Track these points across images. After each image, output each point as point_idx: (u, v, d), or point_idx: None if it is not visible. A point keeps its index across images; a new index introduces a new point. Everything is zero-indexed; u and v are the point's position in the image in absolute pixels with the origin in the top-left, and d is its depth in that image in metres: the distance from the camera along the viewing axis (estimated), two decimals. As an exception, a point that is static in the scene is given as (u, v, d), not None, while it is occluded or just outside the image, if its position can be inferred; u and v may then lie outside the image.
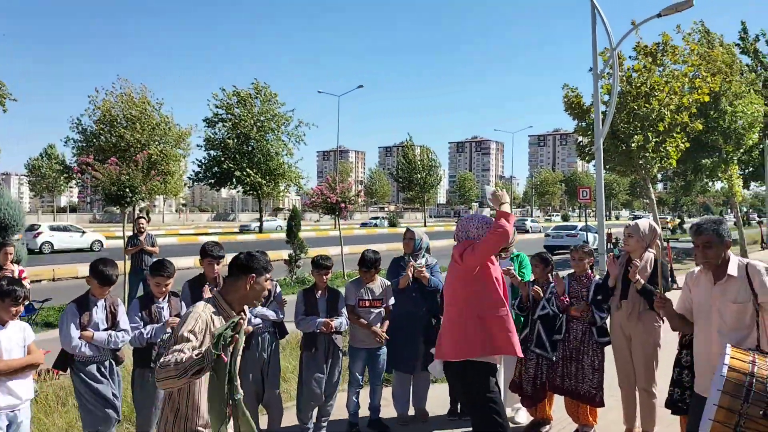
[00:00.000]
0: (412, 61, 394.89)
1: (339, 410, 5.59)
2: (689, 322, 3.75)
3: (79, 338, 4.30)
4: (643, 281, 4.81)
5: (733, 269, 3.46)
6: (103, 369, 4.47)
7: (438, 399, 6.06)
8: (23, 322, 4.20)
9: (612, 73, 13.54)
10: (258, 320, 5.05)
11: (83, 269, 18.86)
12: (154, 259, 11.12)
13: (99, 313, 4.41)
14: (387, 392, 5.95)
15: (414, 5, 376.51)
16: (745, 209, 79.52)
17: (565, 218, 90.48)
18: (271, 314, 5.14)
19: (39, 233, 28.64)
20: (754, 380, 2.93)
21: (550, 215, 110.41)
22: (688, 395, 4.66)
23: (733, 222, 30.60)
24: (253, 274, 2.93)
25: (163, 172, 33.70)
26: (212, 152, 44.88)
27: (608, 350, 5.25)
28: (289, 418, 5.53)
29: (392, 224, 59.00)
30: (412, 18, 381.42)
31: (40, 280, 17.73)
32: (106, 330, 4.43)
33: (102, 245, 30.68)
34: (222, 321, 2.83)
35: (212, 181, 45.05)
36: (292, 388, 6.32)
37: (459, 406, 5.88)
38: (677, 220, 59.14)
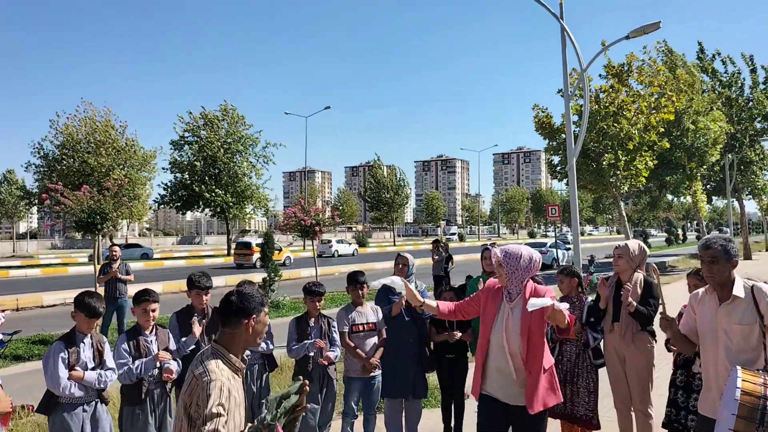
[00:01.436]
0: (378, 81, 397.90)
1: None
2: (692, 343, 3.75)
3: (68, 378, 4.10)
4: (636, 304, 4.84)
5: (738, 290, 3.45)
6: (87, 411, 4.25)
7: (431, 426, 5.99)
8: None
9: (581, 94, 13.84)
10: (247, 352, 4.92)
11: (48, 298, 18.30)
12: (128, 287, 10.89)
13: (86, 351, 4.23)
14: (380, 420, 5.85)
15: (381, 28, 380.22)
16: (704, 223, 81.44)
17: (531, 235, 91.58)
18: (263, 346, 5.02)
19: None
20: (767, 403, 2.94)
21: (515, 232, 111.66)
22: (683, 415, 4.70)
23: (696, 236, 31.35)
24: (253, 315, 2.62)
25: (131, 198, 33.11)
26: (178, 175, 44.35)
27: (602, 372, 5.25)
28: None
29: (361, 244, 58.81)
30: (379, 40, 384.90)
31: (3, 310, 17.11)
32: (93, 369, 4.25)
33: None
34: (235, 377, 2.58)
35: (179, 204, 44.44)
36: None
37: (452, 432, 5.82)
38: (640, 236, 60.39)
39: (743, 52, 25.40)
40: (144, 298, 4.59)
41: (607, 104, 15.17)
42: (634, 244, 5.15)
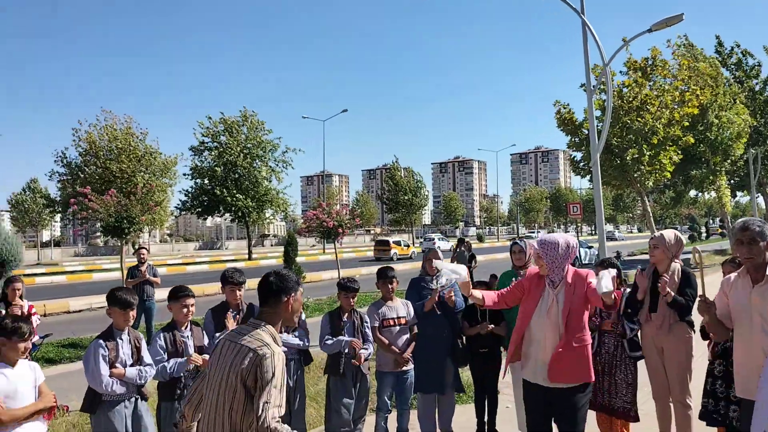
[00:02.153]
0: (395, 83, 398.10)
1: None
2: (726, 329, 3.74)
3: (110, 376, 4.14)
4: (673, 294, 4.78)
5: None
6: (128, 407, 4.28)
7: (464, 421, 5.95)
8: (33, 362, 4.05)
9: (604, 88, 13.72)
10: (284, 348, 4.93)
11: (75, 303, 18.52)
12: (156, 290, 10.99)
13: (125, 348, 4.26)
14: (413, 415, 5.83)
15: (398, 30, 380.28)
16: (728, 218, 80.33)
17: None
18: (296, 342, 5.03)
19: None
20: None
21: (533, 231, 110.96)
22: (722, 406, 4.63)
23: (719, 232, 30.87)
24: (291, 294, 2.78)
25: (156, 203, 33.44)
26: (199, 180, 44.69)
27: (639, 364, 5.19)
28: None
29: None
30: (396, 42, 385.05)
31: (35, 313, 17.34)
32: (131, 365, 4.29)
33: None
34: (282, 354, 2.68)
35: (200, 209, 44.79)
36: (317, 412, 6.18)
37: (486, 427, 5.78)
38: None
39: (765, 45, 25.04)
40: (181, 293, 4.64)
41: (630, 99, 15.00)
42: (670, 233, 5.09)
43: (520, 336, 4.14)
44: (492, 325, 5.63)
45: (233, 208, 43.32)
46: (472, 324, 5.73)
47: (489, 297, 4.39)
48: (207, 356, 4.63)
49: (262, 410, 2.43)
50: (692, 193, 24.01)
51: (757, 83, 24.67)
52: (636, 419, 5.09)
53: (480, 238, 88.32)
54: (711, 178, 21.43)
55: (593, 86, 13.32)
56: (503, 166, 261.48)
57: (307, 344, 5.13)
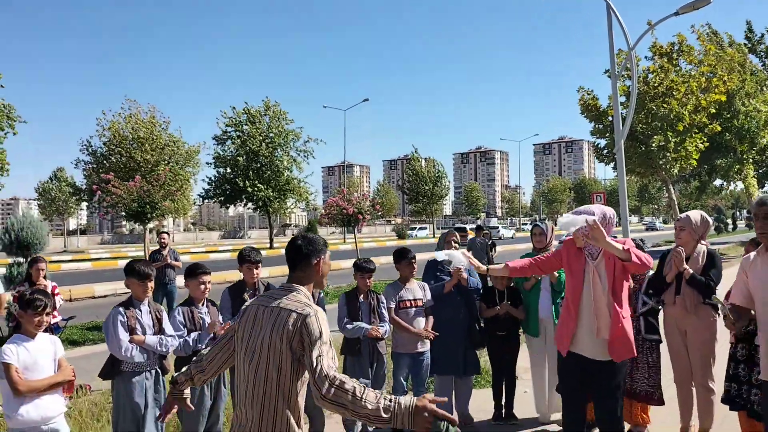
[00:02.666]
0: (417, 73, 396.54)
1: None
2: (747, 312, 3.64)
3: (130, 341, 4.16)
4: (691, 271, 4.69)
5: None
6: (149, 379, 4.32)
7: (481, 405, 5.92)
8: (53, 336, 4.09)
9: (628, 74, 13.48)
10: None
11: (100, 289, 18.79)
12: (177, 274, 11.09)
13: (145, 317, 4.29)
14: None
15: (419, 18, 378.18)
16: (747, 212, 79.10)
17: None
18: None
19: None
20: None
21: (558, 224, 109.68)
22: (745, 390, 4.53)
23: (746, 224, 30.27)
24: (321, 256, 2.69)
25: (177, 188, 33.69)
26: (222, 170, 45.01)
27: (662, 347, 5.10)
28: (333, 426, 5.40)
29: (400, 236, 58.98)
30: (418, 31, 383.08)
31: (59, 293, 17.64)
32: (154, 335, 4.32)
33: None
34: None
35: (222, 198, 45.15)
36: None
37: (504, 411, 5.74)
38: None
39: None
40: (198, 270, 4.66)
41: (656, 84, 14.72)
42: (696, 214, 4.98)
43: (576, 311, 4.05)
44: (510, 306, 5.58)
45: (255, 198, 43.56)
46: (490, 306, 5.69)
47: (514, 264, 4.41)
48: (226, 323, 4.67)
49: (317, 363, 2.36)
50: (717, 182, 23.48)
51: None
52: (660, 402, 5.02)
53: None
54: (737, 167, 20.98)
55: (618, 72, 13.10)
56: (526, 157, 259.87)
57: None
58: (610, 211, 4.10)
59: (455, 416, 5.66)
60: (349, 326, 5.11)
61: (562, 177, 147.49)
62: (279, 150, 44.12)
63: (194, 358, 2.83)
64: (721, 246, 31.68)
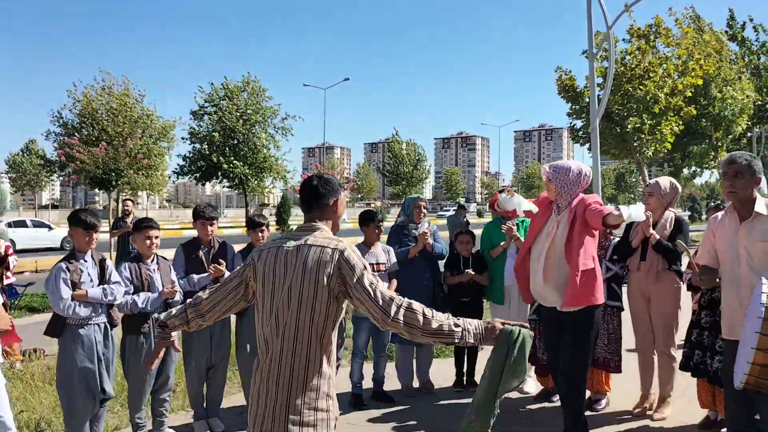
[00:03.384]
0: (399, 55, 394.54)
1: (342, 382, 5.33)
2: (714, 272, 3.62)
3: (72, 299, 3.94)
4: (657, 236, 4.61)
5: (760, 207, 3.35)
6: (98, 333, 4.11)
7: (442, 374, 5.83)
8: None
9: (606, 55, 13.39)
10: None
11: (67, 260, 18.40)
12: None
13: (89, 270, 4.09)
14: (390, 366, 5.70)
15: (402, 4, 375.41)
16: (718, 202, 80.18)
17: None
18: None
19: (-6, 230, 27.10)
20: None
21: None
22: (709, 356, 4.48)
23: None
24: (338, 195, 2.58)
25: (146, 158, 33.22)
26: (197, 145, 44.32)
27: (624, 314, 5.04)
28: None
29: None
30: (400, 11, 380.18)
31: (22, 272, 17.25)
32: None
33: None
34: None
35: (197, 175, 44.52)
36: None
37: (465, 378, 5.66)
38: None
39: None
40: (144, 224, 4.49)
41: (633, 66, 14.70)
42: (665, 180, 4.90)
43: (522, 256, 4.26)
44: (473, 272, 5.47)
45: (231, 175, 43.02)
46: (454, 273, 5.57)
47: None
48: (177, 286, 4.49)
49: (373, 291, 2.31)
50: (690, 169, 23.67)
51: (764, 60, 24.15)
52: (618, 370, 4.96)
53: (480, 214, 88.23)
54: (712, 153, 21.14)
55: (595, 52, 13.00)
56: (506, 144, 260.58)
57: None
58: (586, 169, 4.18)
59: (415, 383, 5.58)
60: None
61: (541, 164, 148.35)
62: (257, 127, 43.61)
63: (189, 300, 2.64)
64: (693, 233, 32.11)
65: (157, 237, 4.49)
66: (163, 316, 2.64)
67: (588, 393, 5.11)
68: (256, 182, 43.86)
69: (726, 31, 23.84)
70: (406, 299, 2.33)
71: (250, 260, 2.53)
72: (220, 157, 41.84)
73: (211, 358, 4.70)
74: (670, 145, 15.30)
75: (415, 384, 5.61)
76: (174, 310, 2.65)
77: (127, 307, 4.28)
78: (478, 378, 5.71)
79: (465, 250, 5.60)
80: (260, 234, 4.87)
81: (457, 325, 2.29)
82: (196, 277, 4.62)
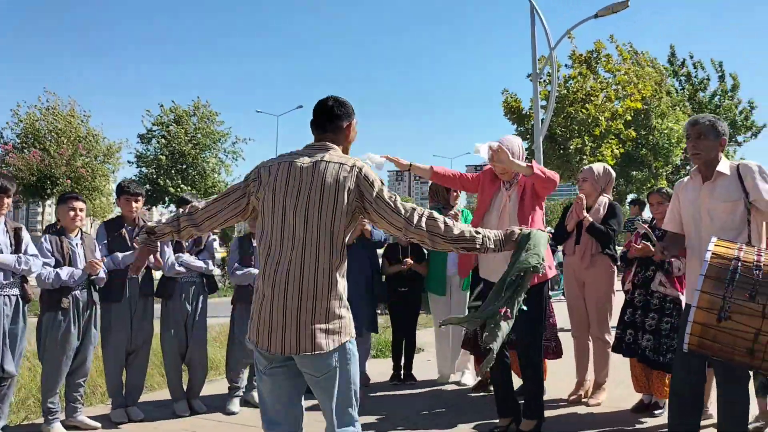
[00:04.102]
0: (352, 86, 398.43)
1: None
2: (681, 237, 3.55)
3: None
4: (591, 219, 4.63)
5: (724, 167, 3.31)
6: (7, 306, 3.82)
7: (379, 372, 5.69)
8: None
9: (550, 79, 13.78)
10: (182, 269, 4.56)
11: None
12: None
13: (1, 237, 3.83)
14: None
15: (350, 30, 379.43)
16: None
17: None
18: (199, 264, 4.65)
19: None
20: (740, 264, 2.71)
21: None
22: (640, 335, 4.48)
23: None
24: (352, 119, 2.54)
25: (83, 167, 32.26)
26: (144, 169, 43.42)
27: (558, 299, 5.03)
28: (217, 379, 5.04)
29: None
30: (351, 40, 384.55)
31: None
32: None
33: None
34: None
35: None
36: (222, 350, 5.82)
37: (402, 372, 5.53)
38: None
39: (712, 59, 25.69)
40: (68, 195, 4.27)
41: (575, 90, 15.18)
42: (599, 165, 4.97)
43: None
44: (411, 261, 5.38)
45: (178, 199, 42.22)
46: (393, 263, 5.48)
47: (440, 169, 4.26)
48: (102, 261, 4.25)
49: (394, 202, 2.34)
50: (633, 195, 24.33)
51: (704, 96, 25.19)
52: (557, 355, 4.90)
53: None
54: (652, 181, 21.83)
55: (538, 71, 13.37)
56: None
57: (212, 268, 4.77)
58: (519, 140, 4.10)
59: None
60: (238, 272, 4.77)
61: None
62: (206, 152, 43.01)
63: (183, 210, 2.54)
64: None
65: (81, 210, 4.27)
66: (151, 223, 2.56)
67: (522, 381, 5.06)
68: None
69: (667, 67, 24.89)
70: (426, 209, 2.37)
71: (255, 175, 2.47)
72: (167, 181, 41.15)
73: (132, 342, 4.44)
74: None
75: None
76: (163, 218, 2.58)
77: (49, 280, 4.01)
78: (415, 372, 5.59)
79: (404, 239, 5.51)
80: (134, 204, 4.51)
81: (477, 233, 2.36)
82: (120, 255, 4.38)
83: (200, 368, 4.71)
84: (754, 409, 4.16)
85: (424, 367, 5.89)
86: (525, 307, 2.52)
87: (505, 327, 2.46)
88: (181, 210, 2.56)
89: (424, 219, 2.33)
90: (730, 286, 2.66)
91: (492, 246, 2.39)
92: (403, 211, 2.33)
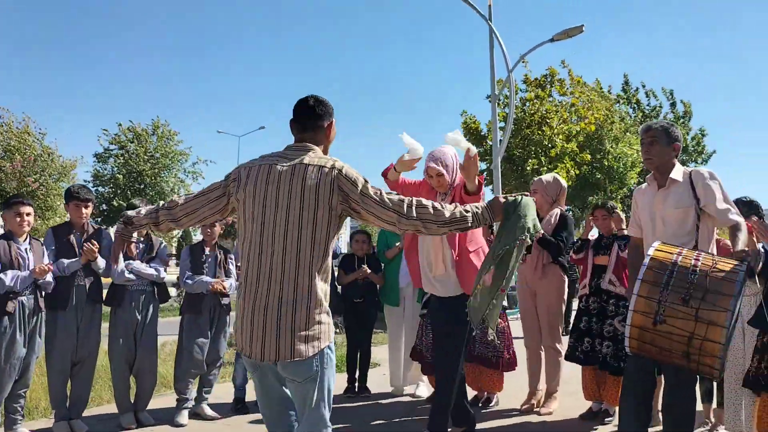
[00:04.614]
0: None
1: (221, 389, 5.05)
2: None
3: None
4: (542, 231, 4.71)
5: (677, 174, 3.37)
6: None
7: (341, 385, 5.63)
8: None
9: (507, 101, 14.08)
10: (132, 276, 4.47)
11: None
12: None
13: None
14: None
15: (314, 55, 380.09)
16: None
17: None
18: (150, 272, 4.56)
19: None
20: (676, 269, 2.76)
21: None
22: (598, 342, 4.56)
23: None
24: (333, 119, 2.52)
25: (36, 182, 31.37)
26: (100, 188, 42.52)
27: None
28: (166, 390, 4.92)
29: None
30: (314, 67, 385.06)
31: None
32: None
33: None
34: None
35: (99, 219, 42.52)
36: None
37: (357, 384, 5.49)
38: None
39: (663, 87, 26.62)
40: (14, 200, 4.17)
41: (532, 113, 15.52)
42: (548, 176, 5.09)
43: (409, 240, 3.94)
44: (368, 269, 5.38)
45: (136, 220, 41.32)
46: (348, 273, 5.47)
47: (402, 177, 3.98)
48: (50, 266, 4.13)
49: (380, 196, 2.33)
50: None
51: (656, 122, 26.03)
52: (511, 367, 4.93)
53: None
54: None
55: (496, 92, 13.63)
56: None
57: (163, 276, 4.68)
58: (453, 150, 3.91)
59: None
60: (189, 281, 4.69)
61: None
62: (165, 171, 42.36)
63: (163, 203, 2.51)
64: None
65: (29, 214, 4.16)
66: (129, 212, 2.51)
67: (474, 393, 5.08)
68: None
69: (621, 94, 25.68)
70: (414, 198, 2.36)
71: (235, 175, 2.44)
72: (124, 201, 40.33)
73: (77, 352, 4.31)
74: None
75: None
76: (143, 210, 2.54)
77: None
78: (369, 384, 5.55)
79: (360, 249, 5.52)
80: (84, 210, 4.41)
81: (467, 211, 2.36)
82: (66, 261, 4.27)
83: (149, 377, 4.59)
84: (699, 414, 4.29)
85: (380, 380, 5.85)
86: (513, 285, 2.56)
87: (500, 303, 2.53)
88: (161, 203, 2.54)
89: (414, 208, 2.32)
90: (666, 290, 2.71)
91: (482, 220, 2.39)
92: (391, 204, 2.32)
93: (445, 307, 3.78)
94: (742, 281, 2.65)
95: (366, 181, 2.35)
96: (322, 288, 2.32)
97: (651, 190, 3.50)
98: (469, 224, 2.36)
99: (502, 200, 2.46)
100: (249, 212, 2.35)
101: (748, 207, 3.94)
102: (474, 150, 3.50)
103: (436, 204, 2.36)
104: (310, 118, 2.47)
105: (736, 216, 3.21)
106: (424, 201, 2.35)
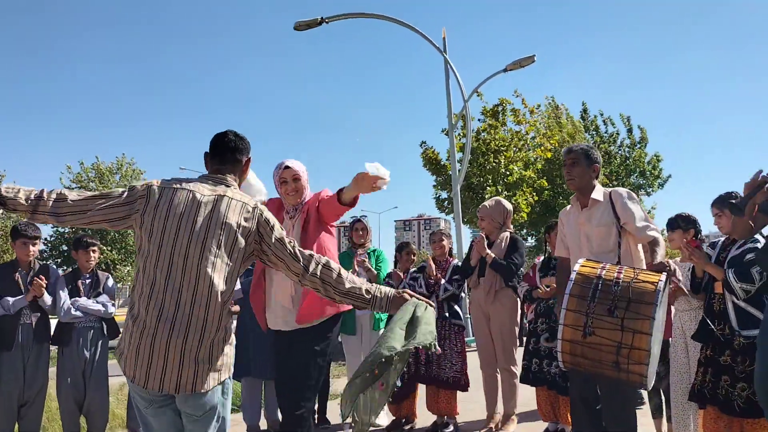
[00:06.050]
0: (275, 143, 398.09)
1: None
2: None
3: None
4: (493, 255, 4.80)
5: (598, 195, 3.55)
6: None
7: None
8: None
9: (464, 132, 14.38)
10: (79, 313, 4.40)
11: None
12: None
13: None
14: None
15: (273, 91, 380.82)
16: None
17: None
18: (97, 308, 4.50)
19: None
20: (601, 282, 2.87)
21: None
22: (546, 364, 4.62)
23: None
24: (249, 155, 2.57)
25: (2, 250, 30.61)
26: (60, 228, 41.59)
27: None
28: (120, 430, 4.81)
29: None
30: (275, 104, 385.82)
31: None
32: None
33: None
34: None
35: (59, 260, 41.55)
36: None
37: (317, 416, 5.43)
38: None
39: (621, 113, 27.40)
40: None
41: (488, 141, 15.81)
42: (490, 201, 5.21)
43: (257, 276, 3.47)
44: None
45: (98, 260, 40.47)
46: None
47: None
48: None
49: (292, 248, 2.39)
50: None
51: (613, 148, 26.68)
52: (465, 389, 4.95)
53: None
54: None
55: (452, 122, 13.90)
56: (388, 233, 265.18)
57: (111, 312, 4.62)
58: (302, 166, 3.55)
59: (263, 423, 5.28)
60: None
61: (419, 250, 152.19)
62: (127, 210, 41.71)
63: (53, 194, 2.25)
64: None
65: None
66: (3, 192, 2.19)
67: (434, 417, 5.08)
68: (126, 269, 41.57)
69: (580, 122, 26.34)
70: (324, 257, 2.41)
71: (144, 192, 2.31)
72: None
73: (24, 394, 4.21)
74: (526, 215, 16.29)
75: (262, 423, 5.29)
76: (22, 190, 2.24)
77: None
78: (329, 416, 5.52)
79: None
80: (31, 248, 4.37)
81: (368, 292, 2.35)
82: (11, 299, 4.20)
83: (100, 417, 4.51)
84: (651, 429, 4.36)
85: (339, 411, 5.81)
86: (399, 383, 2.42)
87: (380, 397, 2.20)
88: (46, 189, 2.27)
89: (320, 267, 2.36)
90: (592, 303, 2.80)
91: (377, 306, 2.35)
92: (300, 257, 2.37)
93: (306, 337, 3.30)
94: (662, 290, 2.76)
95: (282, 230, 2.41)
96: (227, 320, 2.33)
97: (575, 210, 3.67)
98: (366, 305, 2.36)
99: (408, 298, 2.34)
100: (158, 233, 2.25)
101: (686, 222, 4.12)
102: (388, 179, 3.00)
103: (344, 272, 2.38)
104: (231, 152, 2.50)
105: (653, 232, 3.40)
106: (333, 264, 2.39)
